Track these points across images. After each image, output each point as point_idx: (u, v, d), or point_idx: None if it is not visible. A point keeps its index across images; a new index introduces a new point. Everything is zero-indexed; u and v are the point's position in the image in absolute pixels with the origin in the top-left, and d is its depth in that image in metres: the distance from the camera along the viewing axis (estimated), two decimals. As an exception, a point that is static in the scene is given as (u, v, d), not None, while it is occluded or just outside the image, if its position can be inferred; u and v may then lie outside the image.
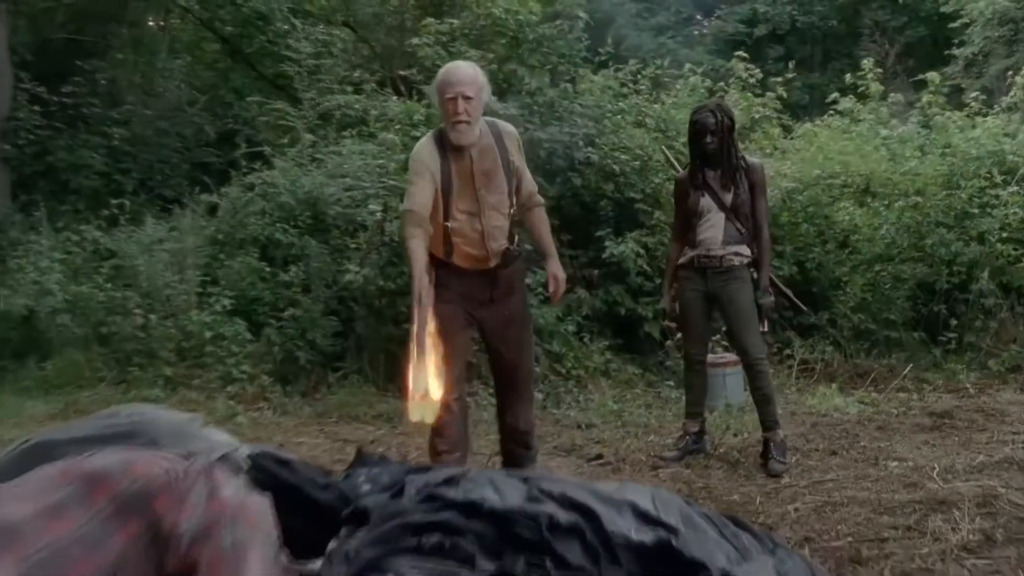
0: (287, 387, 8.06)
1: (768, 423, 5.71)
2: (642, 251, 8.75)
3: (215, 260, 9.24)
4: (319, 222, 8.96)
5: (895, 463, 5.66)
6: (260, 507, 1.94)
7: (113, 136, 13.32)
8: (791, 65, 14.18)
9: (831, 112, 12.11)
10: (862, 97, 12.04)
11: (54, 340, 9.13)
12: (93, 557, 1.77)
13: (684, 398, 6.25)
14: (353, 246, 8.65)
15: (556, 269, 4.99)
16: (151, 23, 16.94)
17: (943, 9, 18.39)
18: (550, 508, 2.31)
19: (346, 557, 2.08)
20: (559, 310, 8.33)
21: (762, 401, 5.72)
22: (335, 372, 8.25)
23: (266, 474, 2.26)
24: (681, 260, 5.81)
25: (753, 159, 5.94)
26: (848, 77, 12.64)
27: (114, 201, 10.55)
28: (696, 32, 24.69)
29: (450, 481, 2.43)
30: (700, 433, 6.03)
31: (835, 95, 12.34)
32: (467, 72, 4.77)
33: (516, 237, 4.96)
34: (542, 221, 5.11)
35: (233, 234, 9.40)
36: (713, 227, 5.61)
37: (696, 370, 6.01)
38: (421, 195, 4.62)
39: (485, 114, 4.86)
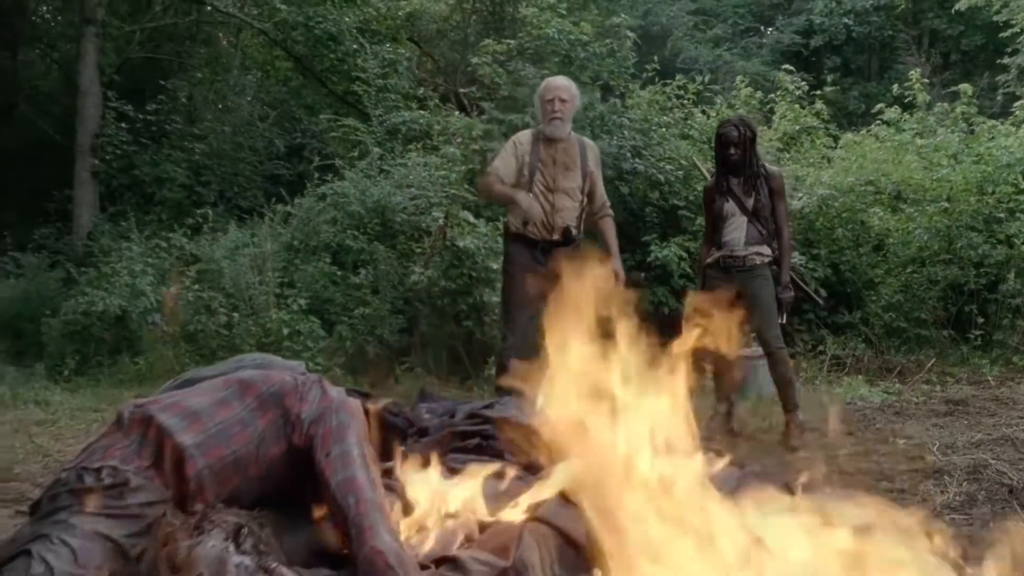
0: (357, 378, 8.68)
1: (788, 405, 6.34)
2: (685, 255, 9.40)
3: (291, 264, 9.98)
4: (387, 229, 9.66)
5: (903, 441, 6.23)
6: (355, 403, 2.80)
7: (193, 151, 14.18)
8: (843, 76, 14.57)
9: (878, 122, 12.58)
10: (908, 107, 12.49)
11: (145, 338, 9.94)
12: (246, 432, 2.62)
13: (714, 383, 6.88)
14: (418, 250, 9.34)
15: (618, 267, 6.09)
16: (221, 41, 17.89)
17: (995, 19, 18.63)
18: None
19: (410, 457, 2.87)
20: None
21: (782, 385, 6.36)
22: (401, 365, 8.92)
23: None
24: (708, 260, 6.46)
25: (772, 167, 6.58)
26: (895, 88, 13.07)
27: (198, 211, 11.42)
28: (754, 44, 24.92)
29: (488, 406, 3.28)
30: (728, 414, 6.63)
31: (880, 105, 12.78)
32: (564, 82, 6.18)
33: (580, 227, 6.05)
34: (610, 228, 6.29)
35: (307, 241, 10.14)
36: (737, 229, 6.26)
37: (723, 358, 6.65)
38: (504, 167, 5.98)
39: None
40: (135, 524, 2.30)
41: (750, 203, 6.25)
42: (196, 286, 9.92)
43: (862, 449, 6.07)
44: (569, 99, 6.02)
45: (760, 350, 7.28)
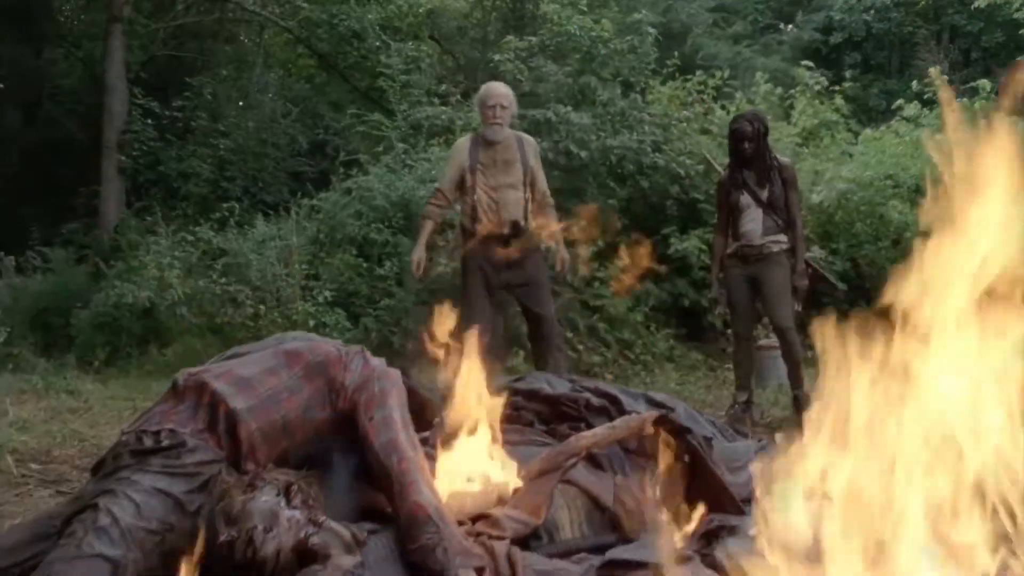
0: (383, 369, 8.92)
1: (797, 382, 6.55)
2: (704, 247, 9.51)
3: (316, 258, 10.15)
4: (411, 221, 9.78)
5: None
6: (395, 372, 2.97)
7: (218, 147, 14.36)
8: (863, 73, 14.57)
9: (898, 118, 12.63)
10: (928, 104, 12.54)
11: (173, 329, 10.11)
12: (293, 398, 2.78)
13: (734, 372, 7.03)
14: (441, 243, 9.46)
15: (563, 253, 6.60)
16: (243, 39, 18.06)
17: (1016, 15, 18.59)
18: (587, 395, 3.27)
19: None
20: (629, 302, 9.21)
21: (792, 364, 6.57)
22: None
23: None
24: (728, 251, 6.61)
25: (784, 158, 6.76)
26: (915, 84, 13.11)
27: (224, 205, 11.60)
28: (774, 41, 24.86)
29: (518, 380, 3.43)
30: (748, 403, 6.76)
31: (900, 102, 12.83)
32: (504, 90, 6.59)
33: (527, 218, 6.42)
34: (550, 216, 6.60)
35: (332, 234, 10.30)
36: (753, 221, 6.43)
37: (743, 347, 6.81)
38: (446, 177, 6.53)
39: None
40: (192, 481, 2.47)
41: (764, 194, 6.41)
42: (223, 279, 10.10)
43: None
44: (508, 105, 6.43)
45: (777, 340, 7.42)
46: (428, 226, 6.69)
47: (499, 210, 6.35)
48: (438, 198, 6.59)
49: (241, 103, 15.66)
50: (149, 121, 14.15)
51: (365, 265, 9.71)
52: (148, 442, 2.54)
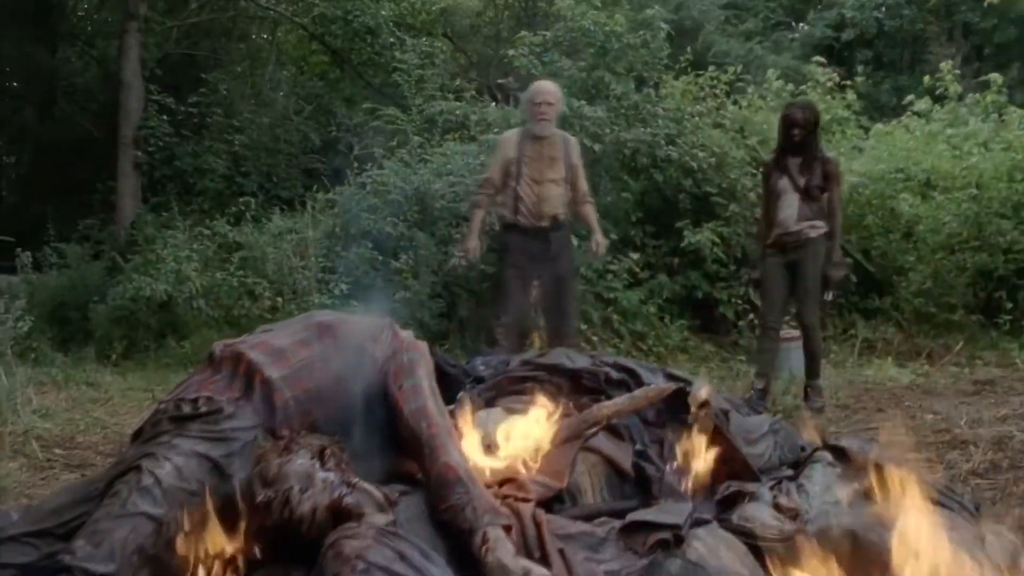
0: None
1: (812, 373, 6.69)
2: (718, 240, 9.61)
3: (331, 251, 10.24)
4: (426, 215, 9.90)
5: (931, 416, 6.43)
6: (423, 344, 3.07)
7: (233, 143, 14.47)
8: (875, 70, 14.59)
9: (909, 113, 12.66)
10: (940, 99, 12.59)
11: (190, 323, 10.22)
12: (325, 369, 2.86)
13: (756, 359, 7.13)
14: (456, 236, 9.55)
15: (599, 237, 6.84)
16: (254, 37, 18.17)
17: (1029, 11, 18.62)
18: (606, 369, 3.36)
19: (471, 399, 3.10)
20: (642, 294, 9.31)
21: (811, 356, 6.69)
22: (441, 347, 9.15)
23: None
24: (768, 241, 6.72)
25: (829, 154, 6.86)
26: (927, 80, 13.15)
27: (240, 200, 11.72)
28: (785, 38, 24.86)
29: (540, 355, 3.55)
30: (764, 391, 6.84)
31: (910, 97, 12.88)
32: (551, 87, 6.87)
33: (566, 214, 6.72)
34: (591, 211, 6.94)
35: (348, 228, 10.38)
36: (789, 207, 6.54)
37: (770, 336, 6.88)
38: (493, 168, 6.79)
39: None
40: (230, 446, 2.56)
41: (803, 182, 6.52)
42: (240, 272, 10.20)
43: (889, 424, 6.26)
44: (555, 102, 6.70)
45: (794, 332, 7.52)
46: (479, 215, 6.89)
47: (540, 203, 6.58)
48: (486, 187, 6.79)
49: (254, 100, 15.75)
50: (165, 117, 14.23)
51: (380, 258, 9.79)
52: (186, 409, 2.64)
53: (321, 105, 16.05)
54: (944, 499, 3.02)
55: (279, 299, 9.65)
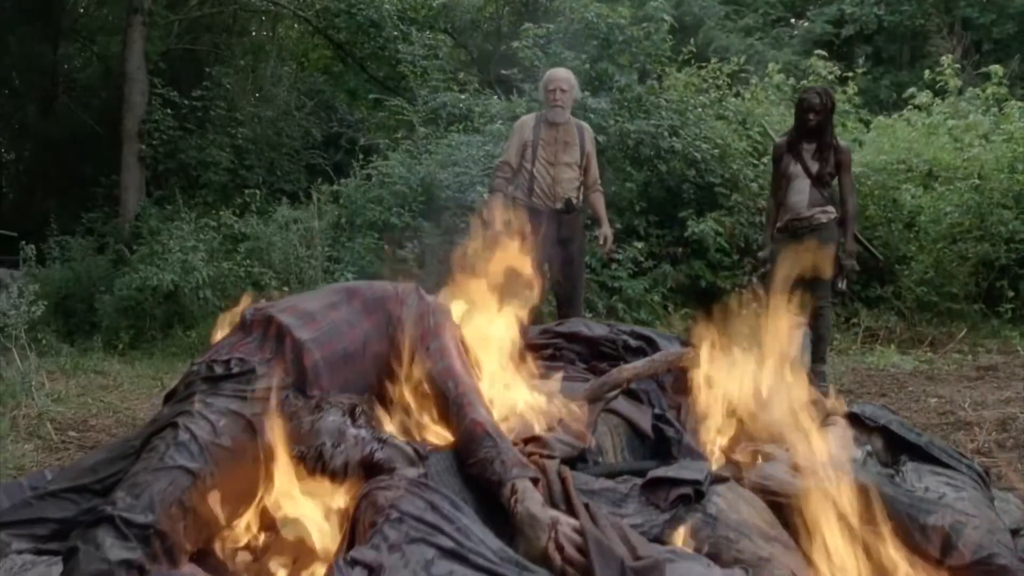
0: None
1: (817, 357, 6.67)
2: (721, 230, 9.67)
3: (337, 241, 10.31)
4: (432, 205, 9.96)
5: (935, 400, 6.49)
6: (448, 307, 3.14)
7: (237, 136, 14.54)
8: (875, 65, 14.66)
9: (910, 106, 12.74)
10: (940, 92, 12.66)
11: (196, 312, 10.28)
12: (353, 331, 2.93)
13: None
14: (462, 225, 9.62)
15: (607, 230, 6.94)
16: (253, 33, 18.25)
17: (1028, 6, 18.68)
18: (624, 337, 3.44)
19: None
20: (647, 283, 9.39)
21: (818, 339, 6.68)
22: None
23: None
24: (778, 224, 6.75)
25: (843, 142, 6.86)
26: (927, 73, 13.22)
27: (247, 191, 11.79)
28: (786, 34, 24.93)
29: (559, 324, 3.64)
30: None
31: (911, 90, 12.95)
32: (565, 74, 6.91)
33: (579, 197, 6.81)
34: (599, 200, 7.02)
35: (353, 219, 10.47)
36: (800, 192, 6.56)
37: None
38: (510, 150, 6.84)
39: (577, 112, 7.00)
40: (262, 405, 2.63)
41: (815, 168, 6.54)
42: (247, 262, 10.27)
43: (894, 407, 6.33)
44: (568, 89, 6.75)
45: (798, 319, 7.52)
46: (499, 198, 6.84)
47: (554, 186, 6.69)
48: (504, 170, 6.83)
49: (256, 96, 15.83)
50: (168, 111, 14.31)
51: (386, 248, 9.85)
52: (219, 370, 2.71)
53: (322, 101, 16.13)
54: (953, 462, 3.09)
55: (285, 289, 9.69)
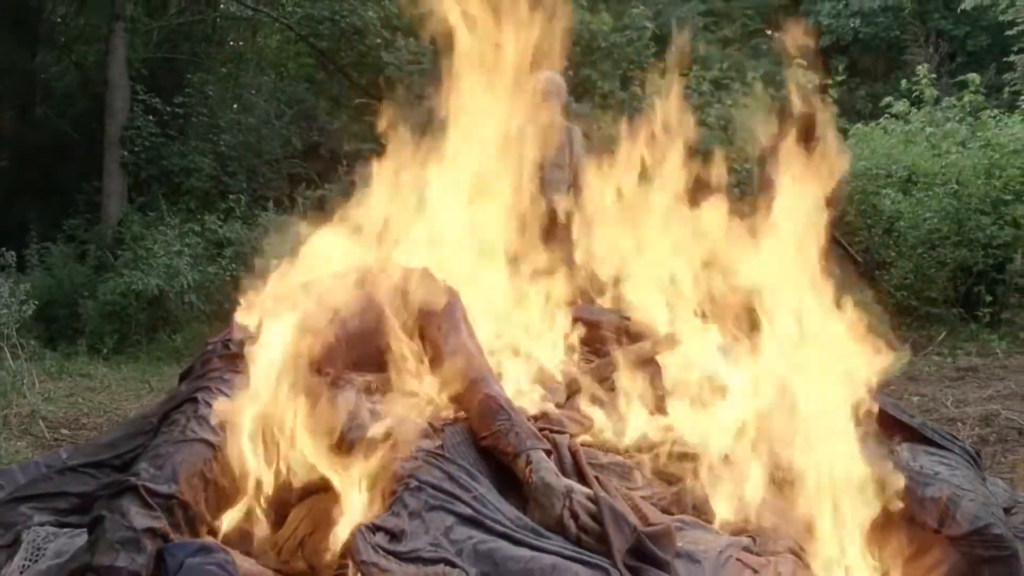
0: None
1: None
2: (703, 234, 9.74)
3: (325, 247, 10.31)
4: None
5: (917, 398, 6.61)
6: (457, 290, 3.17)
7: (219, 143, 14.52)
8: (850, 76, 14.76)
9: (886, 115, 12.86)
10: (917, 101, 12.78)
11: (180, 317, 10.30)
12: (367, 312, 3.00)
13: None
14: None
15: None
16: (231, 43, 18.21)
17: (1001, 18, 18.83)
18: (625, 322, 3.54)
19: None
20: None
21: None
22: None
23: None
24: None
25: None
26: (904, 83, 13.35)
27: (231, 197, 11.79)
28: (764, 46, 25.08)
29: None
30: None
31: (888, 99, 13.07)
32: (549, 75, 6.59)
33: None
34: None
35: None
36: None
37: None
38: None
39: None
40: (278, 381, 2.69)
41: None
42: (232, 266, 10.30)
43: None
44: (555, 90, 6.62)
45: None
46: None
47: (543, 186, 6.61)
48: None
49: (236, 104, 15.80)
50: (151, 117, 14.28)
51: (373, 252, 9.87)
52: (234, 348, 2.78)
53: (302, 111, 16.11)
54: (946, 443, 3.18)
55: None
